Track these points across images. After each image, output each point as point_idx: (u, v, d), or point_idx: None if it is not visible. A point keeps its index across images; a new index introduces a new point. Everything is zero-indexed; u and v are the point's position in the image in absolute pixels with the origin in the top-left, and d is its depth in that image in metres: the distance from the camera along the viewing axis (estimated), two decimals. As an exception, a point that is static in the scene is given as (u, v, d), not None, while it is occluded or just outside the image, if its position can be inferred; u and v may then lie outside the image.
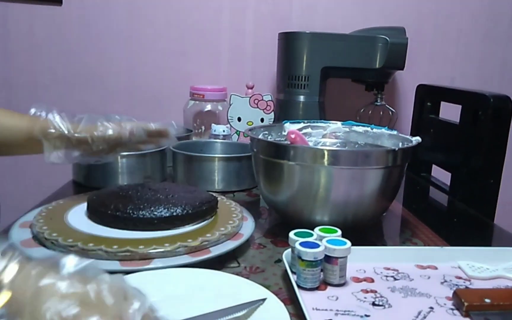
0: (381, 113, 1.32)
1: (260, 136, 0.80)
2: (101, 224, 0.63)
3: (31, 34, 1.35)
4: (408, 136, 0.77)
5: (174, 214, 0.63)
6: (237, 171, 0.92)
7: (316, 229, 0.60)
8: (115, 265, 0.54)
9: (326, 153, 0.66)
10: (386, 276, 0.58)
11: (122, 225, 0.62)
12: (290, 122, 0.86)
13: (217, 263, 0.59)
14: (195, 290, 0.51)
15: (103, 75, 1.38)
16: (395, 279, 0.57)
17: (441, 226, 0.80)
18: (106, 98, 1.39)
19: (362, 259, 0.60)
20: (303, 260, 0.52)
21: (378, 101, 1.30)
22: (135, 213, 0.62)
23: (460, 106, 1.05)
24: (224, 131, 1.13)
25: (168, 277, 0.52)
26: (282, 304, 0.46)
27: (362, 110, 1.32)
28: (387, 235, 0.80)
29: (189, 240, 0.58)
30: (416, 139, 0.74)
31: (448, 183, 1.09)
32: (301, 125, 0.86)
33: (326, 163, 0.65)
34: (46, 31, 1.35)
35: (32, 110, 0.65)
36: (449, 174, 1.09)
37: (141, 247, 0.56)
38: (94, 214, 0.65)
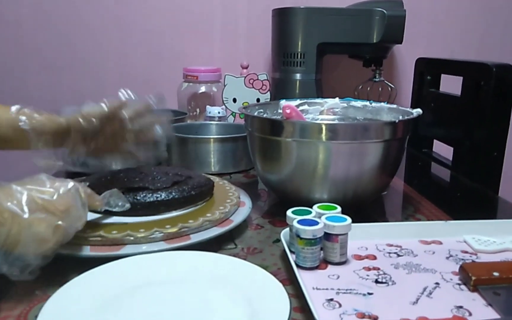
0: (380, 89, 1.29)
1: (255, 114, 0.78)
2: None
3: (19, 20, 1.31)
4: (408, 109, 0.75)
5: (159, 199, 0.60)
6: (233, 152, 0.90)
7: (315, 206, 0.58)
8: (86, 250, 0.52)
9: (323, 127, 0.63)
10: (389, 253, 0.55)
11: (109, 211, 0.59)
12: (286, 100, 0.83)
13: (214, 245, 0.57)
14: (191, 272, 0.49)
15: (94, 58, 1.35)
16: (399, 255, 0.55)
17: (444, 201, 0.78)
18: (97, 82, 1.36)
19: (364, 236, 0.58)
20: (301, 238, 0.50)
21: (377, 77, 1.27)
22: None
23: (461, 78, 1.02)
24: (219, 112, 1.10)
25: (163, 260, 0.51)
26: (280, 285, 0.44)
27: (360, 87, 1.29)
28: (389, 211, 0.78)
29: (167, 226, 0.56)
30: (417, 111, 0.71)
31: (451, 158, 1.06)
32: (298, 102, 0.83)
33: (324, 138, 0.62)
34: (34, 16, 1.31)
35: (15, 106, 0.61)
36: (451, 149, 1.06)
37: (114, 232, 0.53)
38: None
